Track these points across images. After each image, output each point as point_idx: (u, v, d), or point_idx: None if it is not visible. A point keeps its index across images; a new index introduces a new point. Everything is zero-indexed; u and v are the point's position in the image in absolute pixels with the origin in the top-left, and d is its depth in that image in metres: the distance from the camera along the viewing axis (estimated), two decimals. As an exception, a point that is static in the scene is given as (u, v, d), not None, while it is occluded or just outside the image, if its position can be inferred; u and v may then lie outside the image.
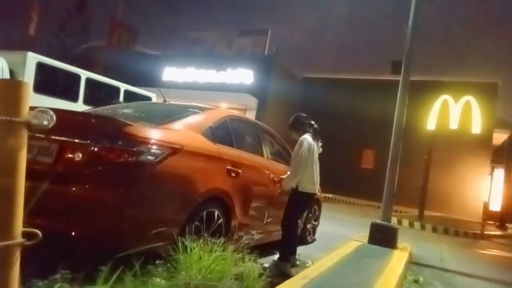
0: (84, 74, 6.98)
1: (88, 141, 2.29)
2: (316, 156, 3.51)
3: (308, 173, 3.39)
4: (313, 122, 3.61)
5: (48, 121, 1.06)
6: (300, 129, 3.58)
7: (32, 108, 1.06)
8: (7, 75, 5.64)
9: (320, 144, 3.61)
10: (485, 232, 10.06)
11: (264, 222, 3.64)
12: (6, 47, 6.59)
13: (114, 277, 1.64)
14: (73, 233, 2.19)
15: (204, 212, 2.70)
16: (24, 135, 1.03)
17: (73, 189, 2.22)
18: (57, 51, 22.22)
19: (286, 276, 3.09)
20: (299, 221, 3.75)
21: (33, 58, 6.00)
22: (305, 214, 4.17)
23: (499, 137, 15.47)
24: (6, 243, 0.97)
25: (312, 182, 3.44)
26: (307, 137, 3.45)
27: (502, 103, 16.40)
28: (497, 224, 13.14)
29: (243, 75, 15.40)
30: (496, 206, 14.08)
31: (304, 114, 3.69)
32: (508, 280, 5.18)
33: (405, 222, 10.25)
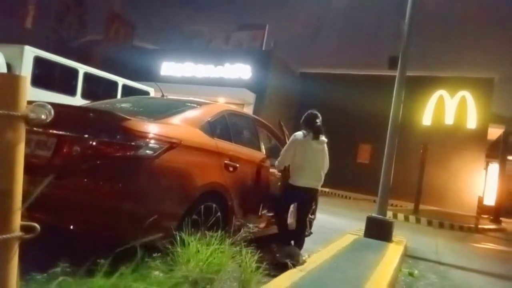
0: (82, 68, 6.94)
1: (86, 135, 2.29)
2: (309, 152, 3.57)
3: (297, 167, 3.56)
4: (317, 121, 3.66)
5: (46, 115, 1.06)
6: (302, 127, 3.70)
7: (30, 103, 1.06)
8: (4, 69, 5.60)
9: (323, 140, 3.67)
10: (480, 226, 10.16)
11: (262, 215, 3.67)
12: (3, 40, 6.54)
13: (113, 271, 1.65)
14: (71, 227, 2.20)
15: (202, 206, 2.71)
16: (22, 129, 1.03)
17: (71, 183, 2.23)
18: (54, 45, 22.01)
19: (285, 267, 3.13)
20: (290, 212, 3.66)
21: (30, 52, 5.97)
22: (295, 208, 3.91)
23: (494, 132, 15.56)
24: (4, 236, 0.97)
25: (300, 177, 3.56)
26: (297, 134, 3.63)
27: (498, 98, 16.47)
28: (492, 218, 13.26)
29: (241, 70, 15.36)
30: (490, 200, 14.20)
31: (315, 112, 3.72)
32: (502, 273, 5.25)
33: (401, 216, 10.34)
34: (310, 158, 3.58)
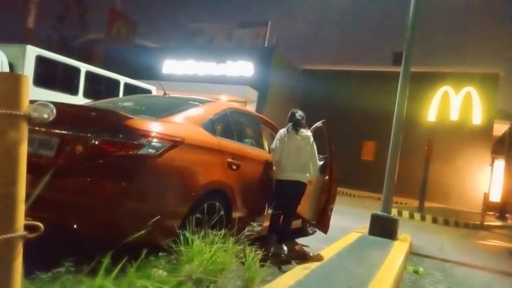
0: (84, 67, 6.94)
1: (89, 135, 2.29)
2: (289, 145, 3.58)
3: (279, 161, 3.60)
4: (296, 114, 3.69)
5: (49, 114, 1.05)
6: (286, 123, 3.75)
7: (32, 102, 1.05)
8: (6, 69, 5.62)
9: (305, 135, 3.63)
10: (485, 223, 10.11)
11: (265, 213, 3.66)
12: (5, 40, 6.55)
13: (117, 269, 1.65)
14: (75, 226, 2.20)
15: (205, 205, 2.71)
16: (25, 129, 1.02)
17: (75, 182, 2.23)
18: (56, 44, 22.09)
19: (285, 263, 3.16)
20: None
21: (32, 51, 5.97)
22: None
23: (500, 128, 15.44)
24: (8, 236, 0.97)
25: (280, 169, 3.59)
26: (280, 131, 3.73)
27: (504, 93, 16.32)
28: (497, 214, 13.21)
29: (243, 68, 15.33)
30: (496, 197, 14.14)
31: (295, 110, 3.77)
32: (508, 270, 5.22)
33: (405, 213, 10.30)
34: (290, 151, 3.57)
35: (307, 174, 3.63)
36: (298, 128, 3.61)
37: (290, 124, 3.66)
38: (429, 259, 4.81)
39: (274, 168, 3.68)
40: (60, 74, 6.61)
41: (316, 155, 3.77)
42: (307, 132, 3.67)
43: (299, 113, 3.73)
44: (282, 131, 3.72)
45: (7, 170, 0.99)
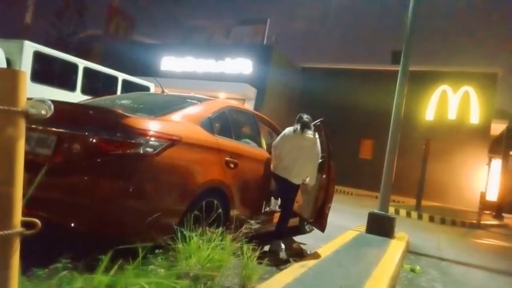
0: (81, 64, 6.92)
1: (87, 133, 2.28)
2: (292, 145, 3.63)
3: (278, 156, 3.68)
4: (304, 117, 3.75)
5: (46, 110, 1.05)
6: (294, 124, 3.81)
7: (29, 99, 1.05)
8: (3, 64, 5.59)
9: (309, 137, 3.67)
10: (482, 222, 10.15)
11: (263, 211, 3.67)
12: (2, 35, 6.52)
13: (114, 266, 1.65)
14: (72, 224, 2.20)
15: (203, 202, 2.71)
16: (22, 125, 1.02)
17: (72, 180, 2.23)
18: (54, 40, 21.98)
19: (283, 261, 3.17)
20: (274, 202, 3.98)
21: (30, 47, 5.95)
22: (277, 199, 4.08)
23: (497, 128, 15.49)
24: (5, 232, 0.97)
25: (278, 164, 3.67)
26: (286, 129, 3.79)
27: (501, 93, 16.37)
28: (494, 213, 13.26)
29: (242, 65, 15.30)
30: (493, 196, 14.21)
31: (302, 114, 3.83)
32: (504, 269, 5.25)
33: (403, 212, 10.33)
34: (292, 149, 3.62)
35: (303, 179, 3.67)
36: (305, 129, 3.65)
37: (298, 125, 3.70)
38: (425, 258, 4.83)
39: (272, 163, 3.72)
40: (57, 70, 6.59)
41: (318, 158, 3.78)
42: (313, 135, 3.70)
43: (306, 116, 3.78)
44: (287, 129, 3.75)
45: (4, 167, 0.99)
